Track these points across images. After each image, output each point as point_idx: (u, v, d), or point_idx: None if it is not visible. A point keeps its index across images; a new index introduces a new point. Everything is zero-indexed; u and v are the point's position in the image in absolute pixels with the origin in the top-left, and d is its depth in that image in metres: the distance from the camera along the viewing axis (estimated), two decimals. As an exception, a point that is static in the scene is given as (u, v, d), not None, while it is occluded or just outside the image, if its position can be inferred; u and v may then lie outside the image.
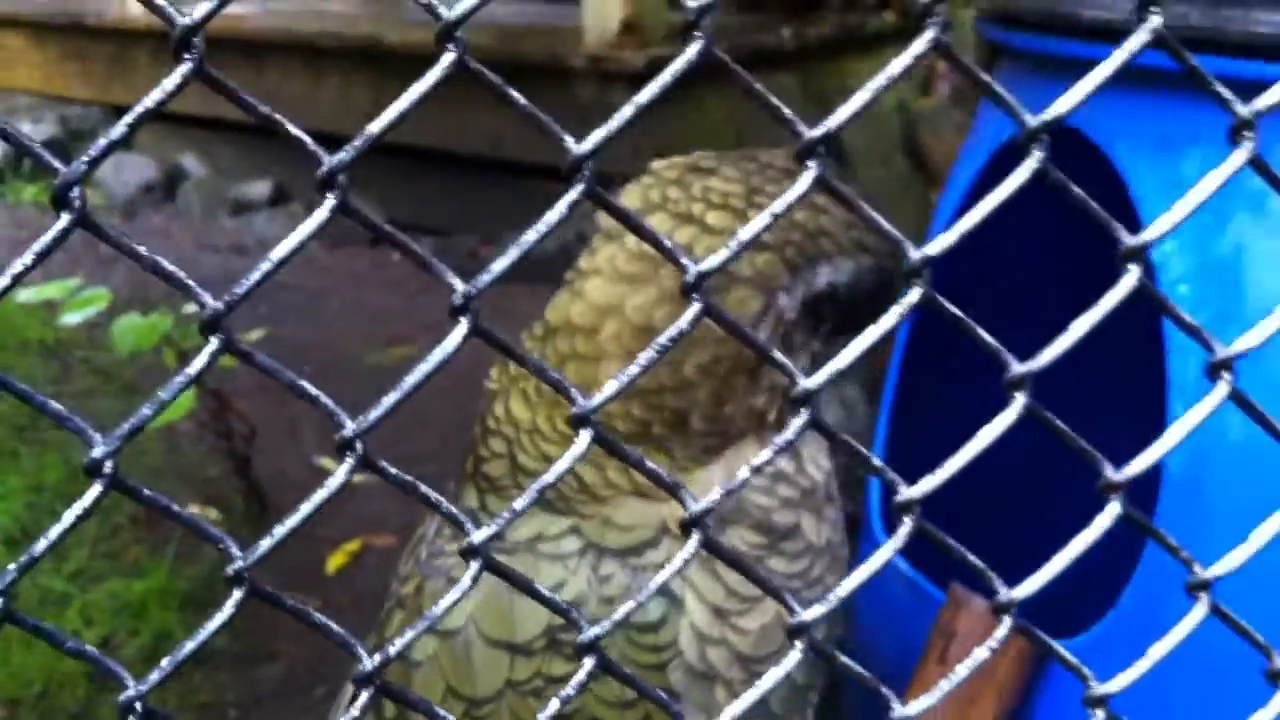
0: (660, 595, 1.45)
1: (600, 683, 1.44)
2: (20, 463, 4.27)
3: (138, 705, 0.72)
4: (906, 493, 0.76)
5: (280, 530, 0.72)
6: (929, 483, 0.76)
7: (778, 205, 0.71)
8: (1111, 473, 0.75)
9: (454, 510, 0.76)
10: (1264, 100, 0.78)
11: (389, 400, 0.71)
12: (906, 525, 0.77)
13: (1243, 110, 0.76)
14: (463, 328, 0.69)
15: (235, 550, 0.72)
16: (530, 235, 0.70)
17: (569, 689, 0.75)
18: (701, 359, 1.42)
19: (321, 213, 0.68)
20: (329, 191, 0.68)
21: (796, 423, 0.71)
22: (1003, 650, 1.58)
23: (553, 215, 0.69)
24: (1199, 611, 0.82)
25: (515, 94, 0.68)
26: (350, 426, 0.70)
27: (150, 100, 0.64)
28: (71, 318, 3.57)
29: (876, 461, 0.77)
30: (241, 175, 7.43)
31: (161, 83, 0.63)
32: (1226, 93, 0.75)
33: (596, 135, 0.71)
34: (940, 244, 0.74)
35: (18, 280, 0.67)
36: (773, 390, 1.46)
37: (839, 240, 1.44)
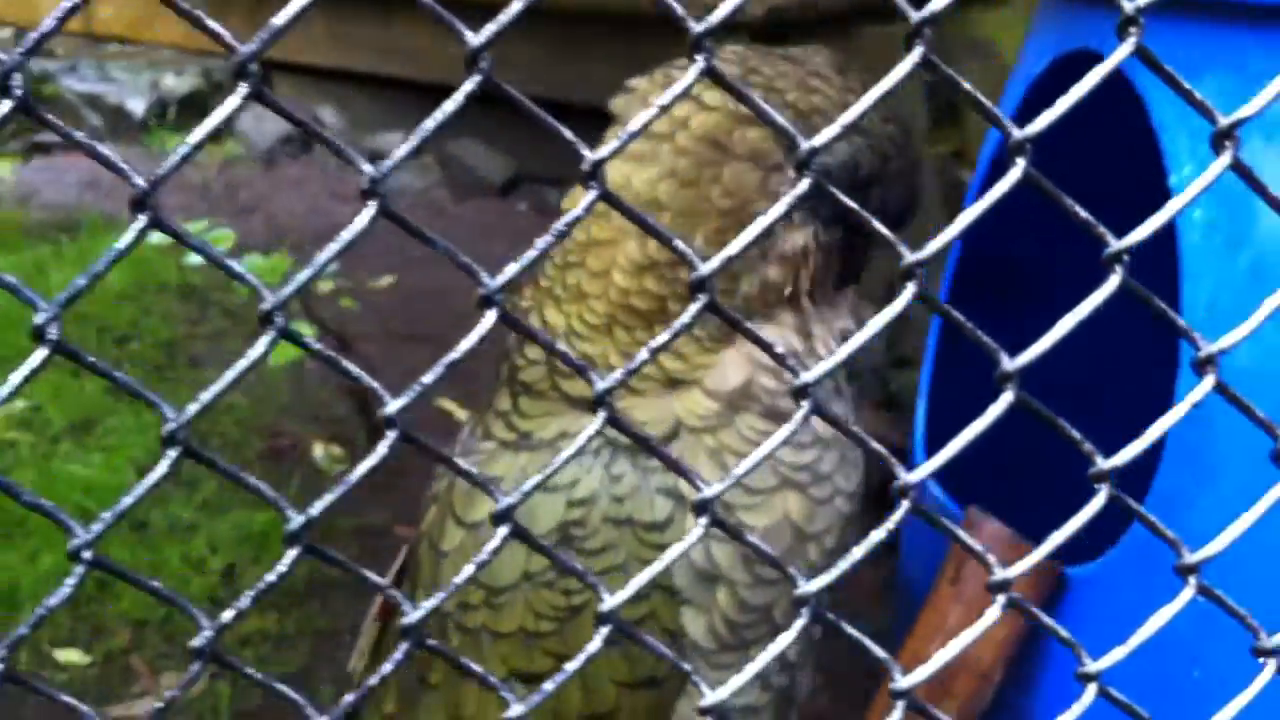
0: (667, 496, 1.48)
1: (610, 577, 1.48)
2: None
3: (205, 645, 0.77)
4: (905, 477, 0.80)
5: (331, 495, 0.77)
6: (923, 470, 0.80)
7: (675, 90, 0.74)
8: (1101, 462, 0.77)
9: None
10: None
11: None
12: (901, 509, 0.81)
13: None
14: (370, 210, 0.72)
15: (292, 513, 0.77)
16: (418, 134, 0.73)
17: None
18: (708, 228, 1.45)
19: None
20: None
21: (695, 306, 0.74)
22: (1017, 576, 1.59)
23: (451, 104, 0.72)
24: (1186, 594, 0.84)
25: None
26: (392, 404, 0.74)
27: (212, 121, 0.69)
28: (195, 260, 3.70)
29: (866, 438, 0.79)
30: (376, 126, 7.57)
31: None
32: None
33: (491, 27, 0.74)
34: (931, 248, 0.77)
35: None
36: (783, 261, 1.48)
37: (832, 119, 1.46)
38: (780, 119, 0.80)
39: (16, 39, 6.15)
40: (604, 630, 0.81)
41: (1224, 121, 0.77)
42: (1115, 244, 0.84)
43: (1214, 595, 0.86)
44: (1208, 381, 0.79)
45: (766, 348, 0.78)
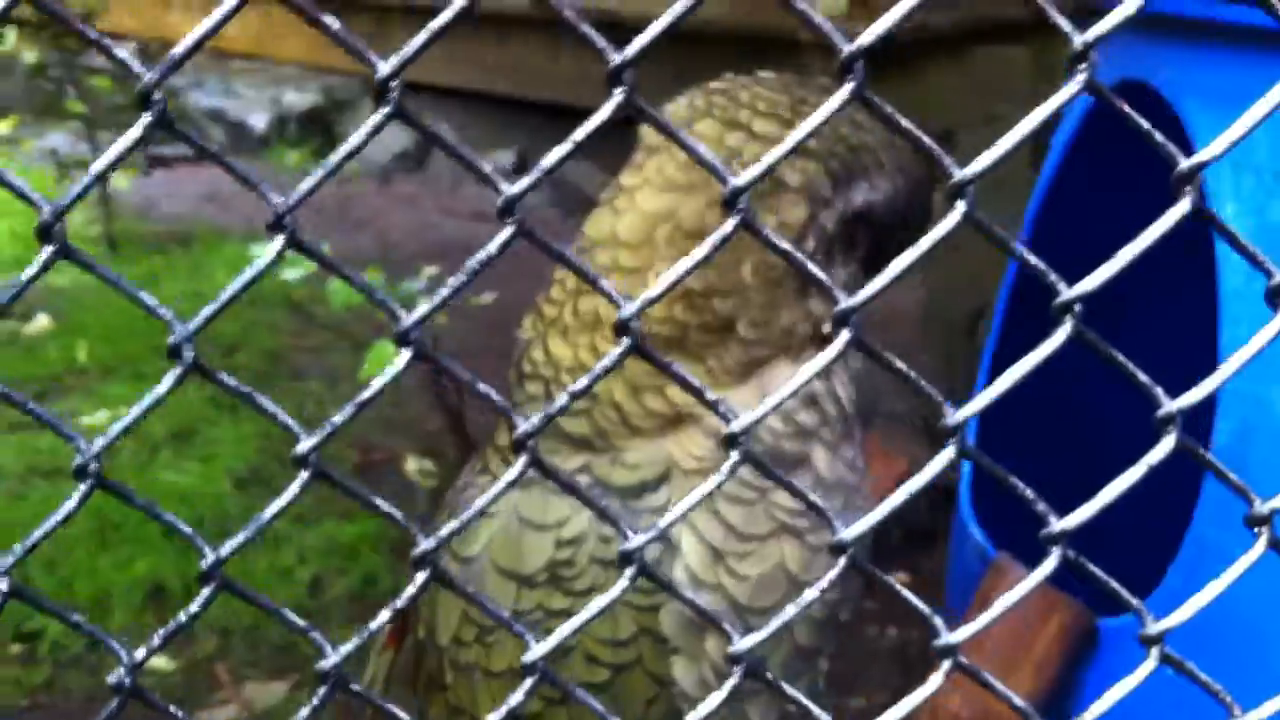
0: (665, 545, 1.42)
1: (598, 620, 1.43)
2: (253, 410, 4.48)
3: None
4: (952, 415, 0.74)
5: (243, 535, 0.75)
6: (970, 409, 0.74)
7: (820, 114, 0.69)
8: (1168, 404, 0.71)
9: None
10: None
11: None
12: (948, 450, 0.75)
13: None
14: (507, 231, 0.70)
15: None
16: (565, 146, 0.70)
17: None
18: (755, 260, 1.40)
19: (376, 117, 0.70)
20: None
21: (841, 338, 0.69)
22: (1042, 625, 1.51)
23: (593, 122, 0.69)
24: (1259, 547, 0.76)
25: None
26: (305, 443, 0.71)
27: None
28: (290, 273, 3.74)
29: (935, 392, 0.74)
30: (488, 144, 7.64)
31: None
32: None
33: (637, 43, 0.70)
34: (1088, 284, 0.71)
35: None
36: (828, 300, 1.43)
37: (879, 158, 1.42)
38: (935, 147, 0.73)
39: (141, 55, 6.28)
40: (529, 681, 0.77)
41: (1184, 165, 0.71)
42: (1184, 162, 0.76)
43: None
44: (1168, 441, 0.71)
45: (696, 392, 0.73)
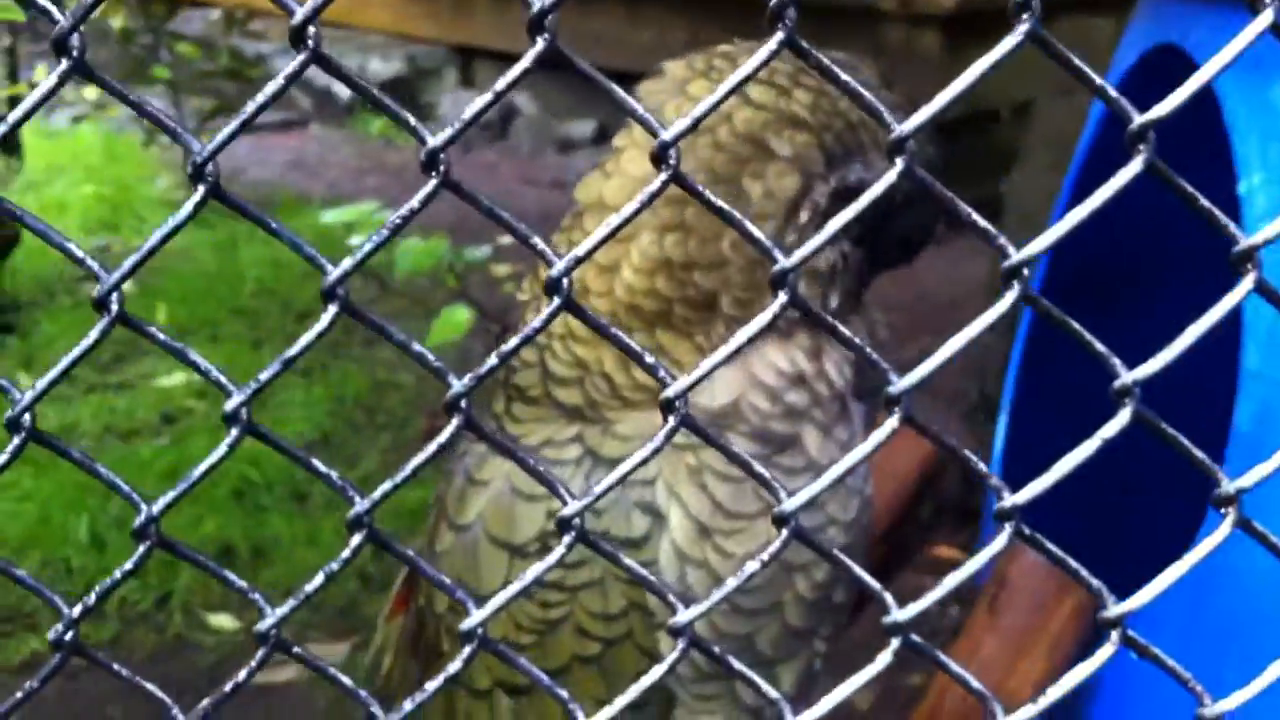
0: (645, 511, 1.41)
1: (588, 593, 1.42)
2: (328, 375, 4.54)
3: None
4: (897, 384, 0.72)
5: (398, 478, 0.75)
6: (1028, 492, 0.72)
7: (750, 65, 0.67)
8: (1125, 375, 0.68)
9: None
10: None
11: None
12: (1005, 532, 0.73)
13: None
14: (431, 184, 0.69)
15: (358, 498, 0.75)
16: (487, 95, 0.69)
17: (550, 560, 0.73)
18: (736, 235, 1.36)
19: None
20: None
21: (777, 302, 0.67)
22: (1057, 605, 1.47)
23: (515, 71, 0.68)
24: (1224, 528, 0.73)
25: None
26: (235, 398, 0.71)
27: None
28: (357, 239, 3.77)
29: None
30: (569, 115, 7.64)
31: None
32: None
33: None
34: (1036, 248, 0.69)
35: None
36: (813, 278, 1.39)
37: (878, 136, 1.38)
38: (878, 102, 0.71)
39: (227, 22, 6.37)
40: (467, 648, 0.76)
41: (1138, 121, 0.67)
42: (1244, 241, 0.73)
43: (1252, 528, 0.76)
44: (1123, 414, 0.68)
45: (636, 356, 0.71)
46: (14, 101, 6.14)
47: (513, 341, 0.73)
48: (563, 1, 0.67)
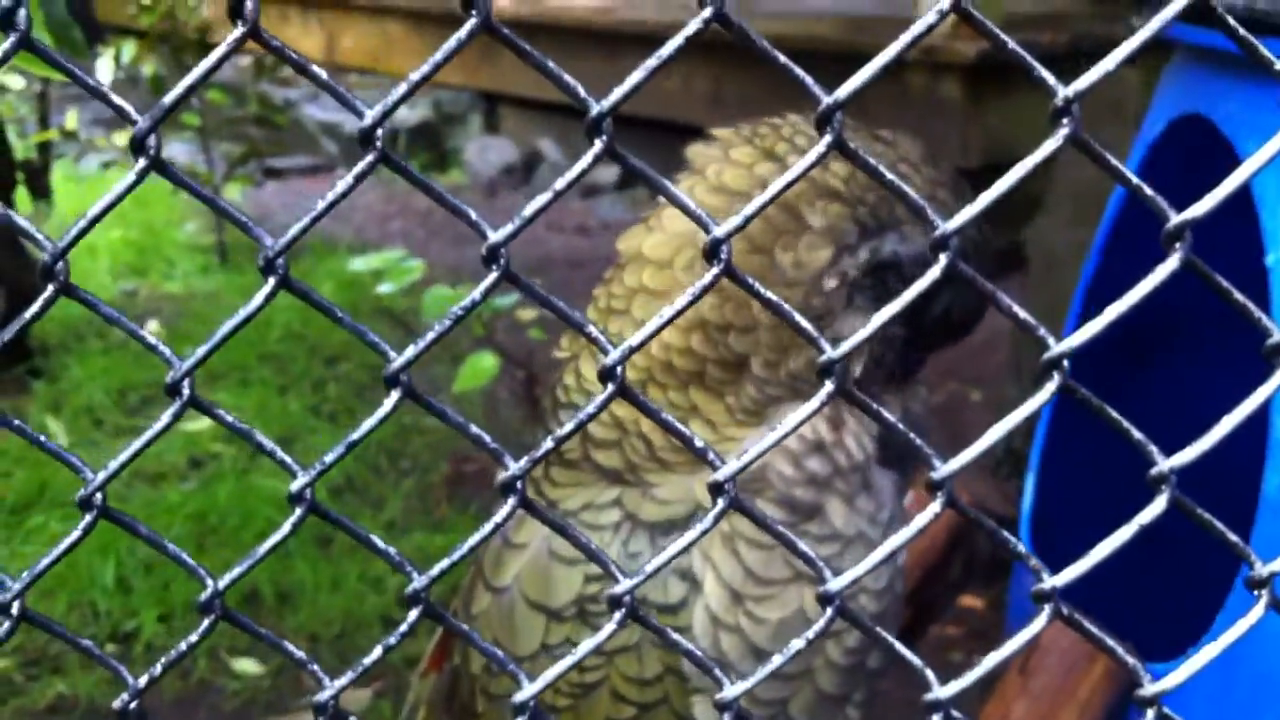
0: (681, 578, 1.42)
1: (624, 657, 1.43)
2: (353, 419, 4.57)
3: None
4: (940, 469, 0.73)
5: (455, 555, 0.77)
6: (1066, 575, 0.74)
7: (797, 168, 0.69)
8: (1162, 463, 0.69)
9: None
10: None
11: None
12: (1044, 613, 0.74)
13: None
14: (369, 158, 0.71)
15: (415, 575, 0.77)
16: (559, 184, 0.72)
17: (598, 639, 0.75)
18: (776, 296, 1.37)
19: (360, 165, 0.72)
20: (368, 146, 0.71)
21: (824, 390, 0.69)
22: (1088, 668, 1.47)
23: (576, 170, 0.70)
24: (1258, 610, 0.75)
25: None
26: (300, 479, 0.73)
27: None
28: (386, 287, 3.81)
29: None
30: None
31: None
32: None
33: (616, 94, 0.71)
34: (1080, 339, 0.70)
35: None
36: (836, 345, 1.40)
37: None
38: (916, 196, 0.74)
39: (257, 68, 6.44)
40: None
41: (1175, 220, 0.69)
42: (1277, 335, 0.75)
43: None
44: (1160, 501, 0.69)
45: (685, 440, 0.73)
46: (43, 146, 6.22)
47: (568, 426, 0.75)
48: (619, 105, 0.69)
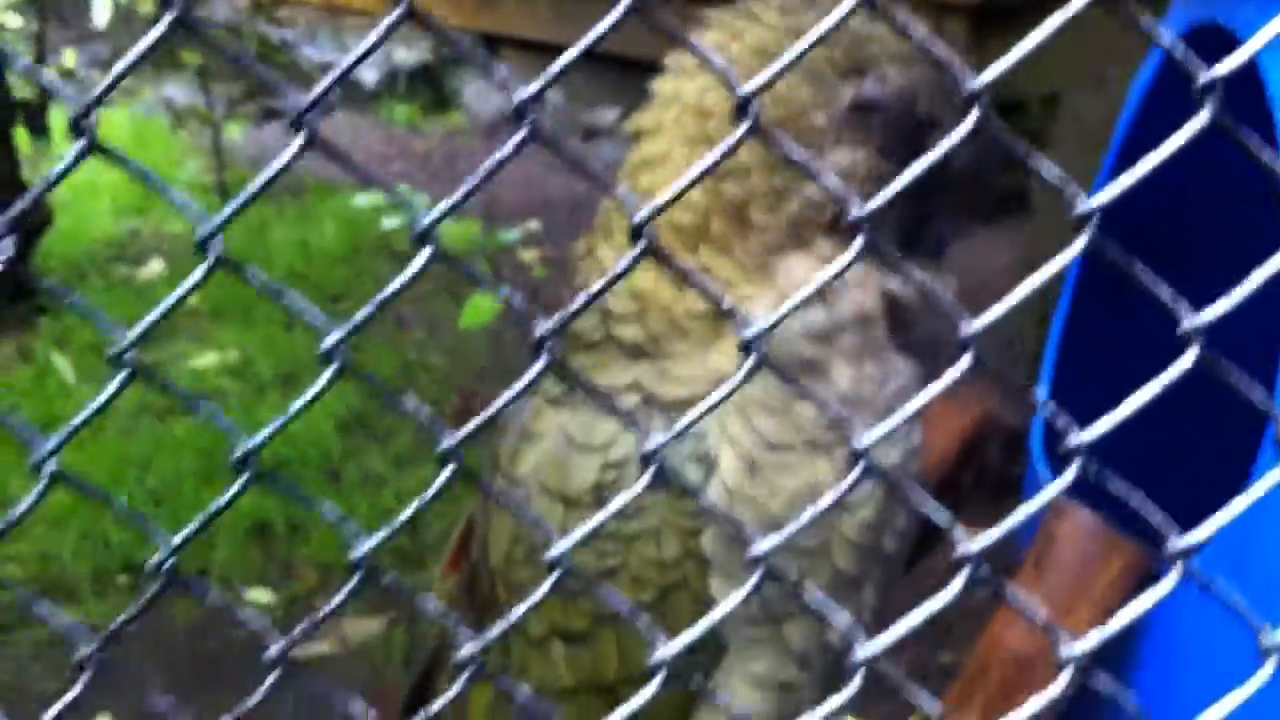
0: (699, 462, 1.45)
1: (643, 542, 1.46)
2: (360, 356, 4.60)
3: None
4: (1076, 437, 0.76)
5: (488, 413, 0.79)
6: (1095, 430, 0.76)
7: (829, 19, 0.71)
8: (1191, 318, 0.72)
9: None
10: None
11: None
12: (1072, 468, 0.77)
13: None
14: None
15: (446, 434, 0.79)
16: (581, 44, 0.74)
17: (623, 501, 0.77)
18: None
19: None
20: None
21: (855, 245, 0.71)
22: (1104, 565, 1.50)
23: (603, 26, 0.72)
24: None
25: None
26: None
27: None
28: (390, 222, 3.82)
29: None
30: (593, 101, 7.67)
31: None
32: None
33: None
34: (1105, 198, 0.72)
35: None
36: (848, 181, 1.43)
37: (892, 50, 1.44)
38: (720, 61, 0.76)
39: (254, 8, 6.42)
40: (553, 575, 0.81)
41: (1206, 76, 0.71)
42: None
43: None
44: (1191, 354, 0.72)
45: (713, 299, 0.75)
46: (42, 87, 6.19)
47: (601, 282, 0.77)
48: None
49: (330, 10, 8.76)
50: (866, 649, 0.81)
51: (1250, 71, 1.65)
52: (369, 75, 8.56)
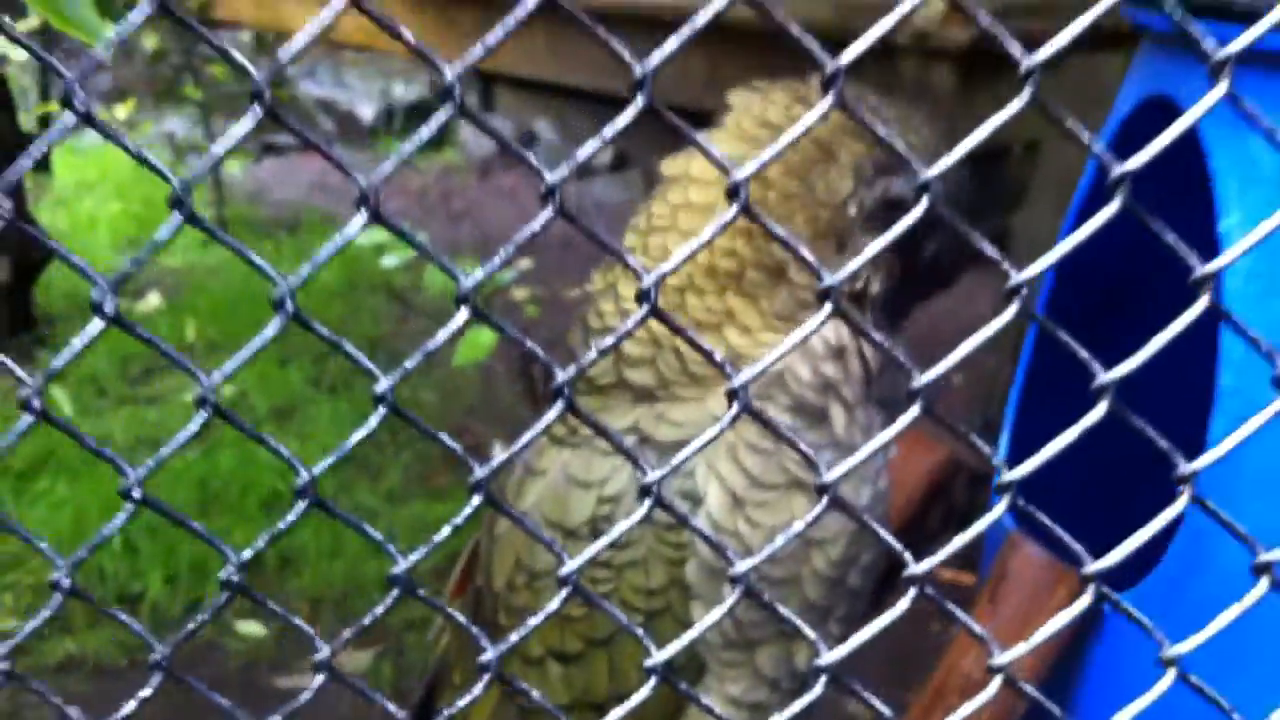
0: (686, 498, 1.55)
1: (633, 570, 1.56)
2: (352, 392, 4.66)
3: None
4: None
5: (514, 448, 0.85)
6: (1024, 469, 0.83)
7: (803, 122, 0.78)
8: (1184, 467, 0.80)
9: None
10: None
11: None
12: (1003, 501, 0.84)
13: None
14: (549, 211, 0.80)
15: (477, 466, 0.85)
16: (606, 133, 0.81)
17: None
18: (805, 215, 1.56)
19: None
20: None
21: (822, 311, 0.78)
22: (1051, 593, 1.59)
23: (617, 124, 0.79)
24: (1180, 503, 0.85)
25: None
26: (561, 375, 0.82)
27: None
28: (389, 260, 3.90)
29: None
30: (589, 139, 7.77)
31: None
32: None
33: (663, 50, 0.80)
34: (1036, 269, 0.80)
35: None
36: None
37: (919, 151, 1.54)
38: (900, 144, 0.84)
39: (258, 43, 6.51)
40: (563, 591, 0.88)
41: (1117, 171, 0.79)
42: (1200, 269, 0.86)
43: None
44: (1182, 500, 0.81)
45: (705, 354, 0.81)
46: (44, 120, 6.29)
47: (610, 339, 0.83)
48: (660, 67, 0.78)
49: (329, 46, 8.86)
50: (828, 657, 0.88)
51: (1197, 147, 1.74)
52: (366, 111, 8.68)
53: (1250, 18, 1.62)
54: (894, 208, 1.57)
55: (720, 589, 1.56)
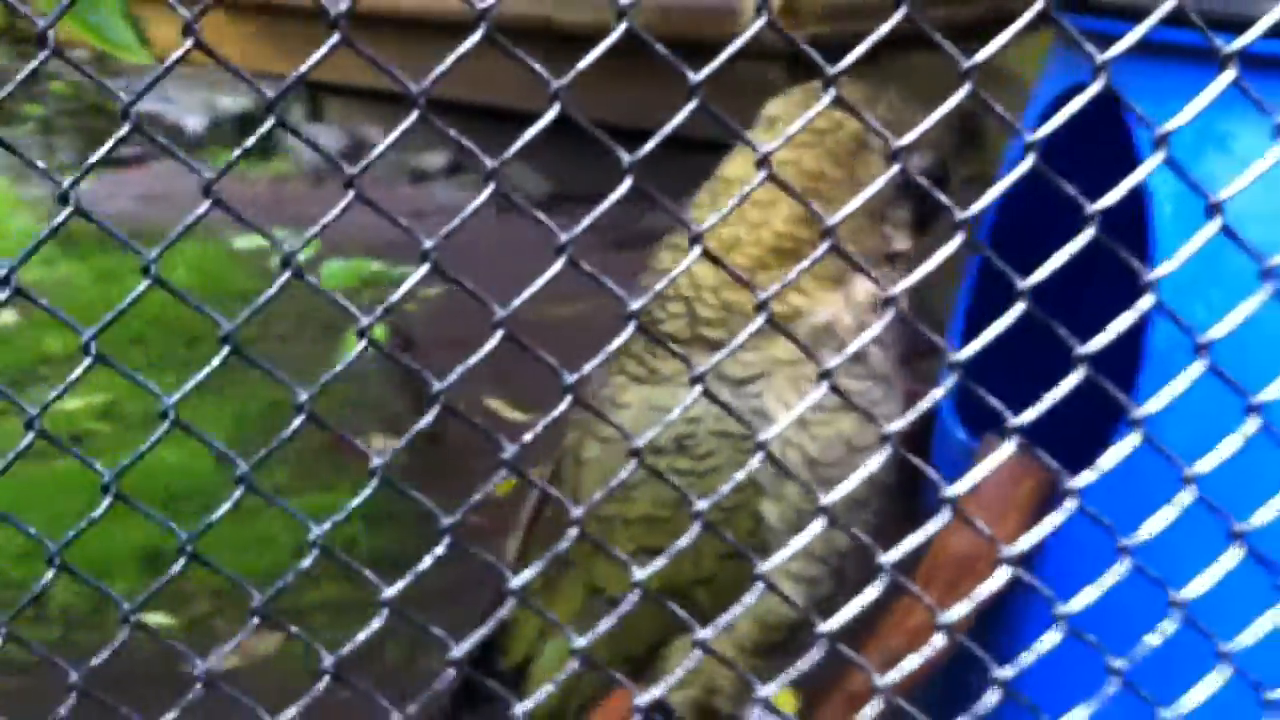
0: (757, 415, 1.89)
1: (713, 476, 1.88)
2: (230, 393, 4.76)
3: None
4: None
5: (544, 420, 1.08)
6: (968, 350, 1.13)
7: (801, 120, 1.06)
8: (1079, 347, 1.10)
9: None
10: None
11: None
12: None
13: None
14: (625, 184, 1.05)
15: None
16: (668, 127, 1.06)
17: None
18: (853, 197, 1.87)
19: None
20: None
21: (821, 249, 1.05)
22: (1014, 486, 1.97)
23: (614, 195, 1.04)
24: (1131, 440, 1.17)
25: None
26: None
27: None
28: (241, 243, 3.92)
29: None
30: (421, 146, 7.89)
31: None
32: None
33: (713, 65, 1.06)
34: (976, 208, 1.10)
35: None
36: (896, 226, 2.00)
37: (928, 136, 1.87)
38: (885, 132, 1.20)
39: (97, 64, 6.51)
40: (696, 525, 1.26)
41: (1028, 138, 1.09)
42: (1090, 207, 1.16)
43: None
44: (1133, 438, 1.15)
45: (740, 280, 1.08)
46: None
47: (663, 281, 1.09)
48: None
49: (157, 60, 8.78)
50: (824, 626, 1.19)
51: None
52: (193, 122, 8.64)
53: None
54: (911, 186, 1.90)
55: (785, 487, 1.90)
